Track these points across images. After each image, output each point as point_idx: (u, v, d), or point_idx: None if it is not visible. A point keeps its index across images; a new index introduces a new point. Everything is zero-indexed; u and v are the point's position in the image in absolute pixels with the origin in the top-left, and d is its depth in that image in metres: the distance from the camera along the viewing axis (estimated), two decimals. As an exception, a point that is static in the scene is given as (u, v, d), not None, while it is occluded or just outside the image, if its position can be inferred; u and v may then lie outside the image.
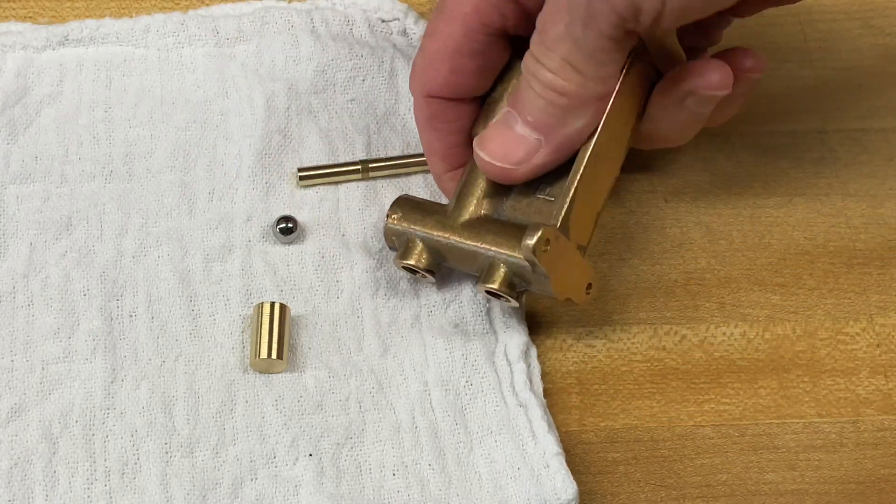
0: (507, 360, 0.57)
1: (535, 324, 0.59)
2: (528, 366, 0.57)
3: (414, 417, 0.56)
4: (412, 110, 0.59)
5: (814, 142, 0.65)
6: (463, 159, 0.58)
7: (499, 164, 0.55)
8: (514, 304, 0.56)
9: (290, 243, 0.59)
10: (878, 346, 0.60)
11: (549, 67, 0.53)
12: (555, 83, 0.53)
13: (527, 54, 0.54)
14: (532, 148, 0.55)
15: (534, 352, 0.58)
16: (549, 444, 0.55)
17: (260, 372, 0.56)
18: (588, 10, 0.51)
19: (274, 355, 0.55)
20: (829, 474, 0.57)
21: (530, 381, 0.57)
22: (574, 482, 0.54)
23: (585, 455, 0.57)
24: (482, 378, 0.57)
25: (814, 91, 0.66)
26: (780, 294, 0.61)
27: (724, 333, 0.60)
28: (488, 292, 0.55)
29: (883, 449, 0.58)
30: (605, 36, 0.52)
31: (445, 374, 0.56)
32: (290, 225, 0.58)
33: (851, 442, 0.58)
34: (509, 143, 0.55)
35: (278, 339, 0.56)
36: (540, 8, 0.53)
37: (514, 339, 0.58)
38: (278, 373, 0.56)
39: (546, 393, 0.57)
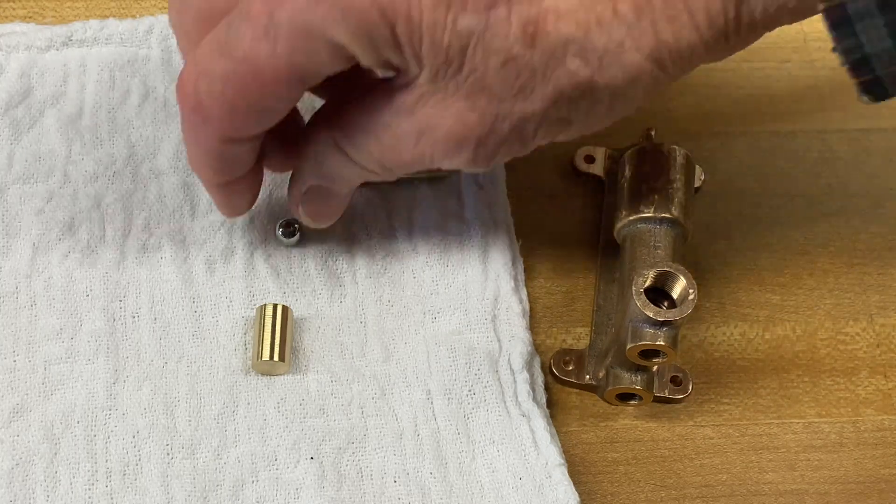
0: (511, 369, 0.57)
1: (535, 324, 0.59)
2: (532, 375, 0.57)
3: (416, 425, 0.55)
4: None
5: (814, 142, 0.65)
6: None
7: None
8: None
9: (292, 246, 0.59)
10: (878, 346, 0.60)
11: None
12: None
13: None
14: None
15: (537, 361, 0.58)
16: (551, 455, 0.55)
17: (262, 374, 0.56)
18: None
19: (276, 357, 0.55)
20: (829, 474, 0.57)
21: (533, 391, 0.57)
22: (576, 493, 0.54)
23: (585, 455, 0.57)
24: (485, 387, 0.56)
25: (814, 91, 0.66)
26: (780, 294, 0.61)
27: (724, 333, 0.60)
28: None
29: (883, 449, 0.58)
30: None
31: (448, 383, 0.56)
32: (293, 227, 0.59)
33: (851, 442, 0.58)
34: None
35: (280, 342, 0.56)
36: None
37: (517, 348, 0.57)
38: (280, 375, 0.56)
39: (546, 392, 0.58)
